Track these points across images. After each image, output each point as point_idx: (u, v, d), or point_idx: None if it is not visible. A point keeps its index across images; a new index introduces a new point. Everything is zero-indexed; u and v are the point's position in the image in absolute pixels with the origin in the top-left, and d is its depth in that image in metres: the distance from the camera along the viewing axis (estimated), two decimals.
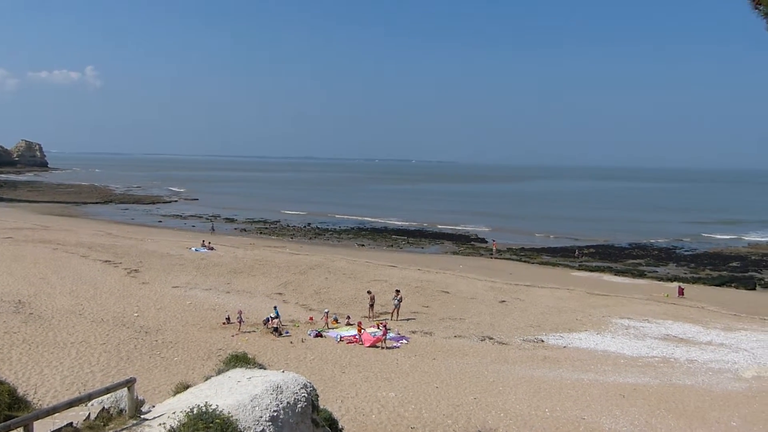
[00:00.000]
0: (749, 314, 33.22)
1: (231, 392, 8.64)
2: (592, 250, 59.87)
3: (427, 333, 27.35)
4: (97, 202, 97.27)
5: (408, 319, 29.58)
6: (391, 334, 26.08)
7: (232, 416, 7.46)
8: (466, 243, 63.13)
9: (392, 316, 29.58)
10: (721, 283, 44.12)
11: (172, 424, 7.32)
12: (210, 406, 7.47)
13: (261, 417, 8.06)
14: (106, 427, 8.33)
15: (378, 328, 26.08)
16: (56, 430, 7.95)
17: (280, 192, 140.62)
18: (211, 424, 7.15)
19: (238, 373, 9.58)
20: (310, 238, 63.93)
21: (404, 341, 25.68)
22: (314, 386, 9.76)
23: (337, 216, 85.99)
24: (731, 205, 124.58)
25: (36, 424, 7.29)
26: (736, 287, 42.89)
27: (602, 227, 77.75)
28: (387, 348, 24.56)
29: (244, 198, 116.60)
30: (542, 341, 26.67)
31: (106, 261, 38.67)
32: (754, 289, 42.53)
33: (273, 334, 24.95)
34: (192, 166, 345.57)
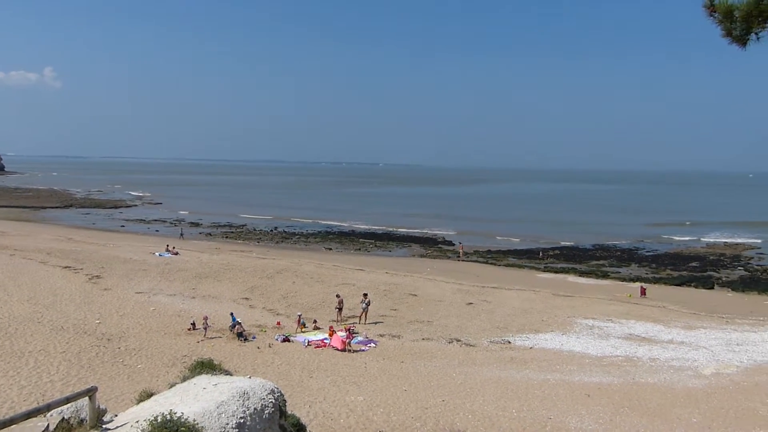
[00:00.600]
0: (708, 313, 34.15)
1: (196, 399, 8.49)
2: (557, 251, 60.72)
3: (395, 336, 27.37)
4: (56, 207, 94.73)
5: (376, 323, 29.58)
6: (359, 338, 26.03)
7: (197, 423, 7.34)
8: (433, 246, 63.44)
9: (360, 319, 29.53)
10: (681, 282, 45.22)
11: None
12: (175, 413, 7.33)
13: (227, 424, 7.94)
14: None
15: (345, 332, 26.01)
16: None
17: (246, 196, 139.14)
18: None
19: (203, 380, 9.43)
20: (277, 242, 63.49)
21: (372, 345, 25.63)
22: (282, 391, 9.66)
23: (303, 220, 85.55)
24: (690, 207, 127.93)
25: None
26: (696, 287, 43.97)
27: (566, 229, 78.86)
28: (354, 351, 24.50)
29: (209, 202, 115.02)
30: (509, 342, 26.93)
31: (66, 267, 37.68)
32: (713, 288, 43.68)
33: (239, 339, 24.65)
34: (155, 170, 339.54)
